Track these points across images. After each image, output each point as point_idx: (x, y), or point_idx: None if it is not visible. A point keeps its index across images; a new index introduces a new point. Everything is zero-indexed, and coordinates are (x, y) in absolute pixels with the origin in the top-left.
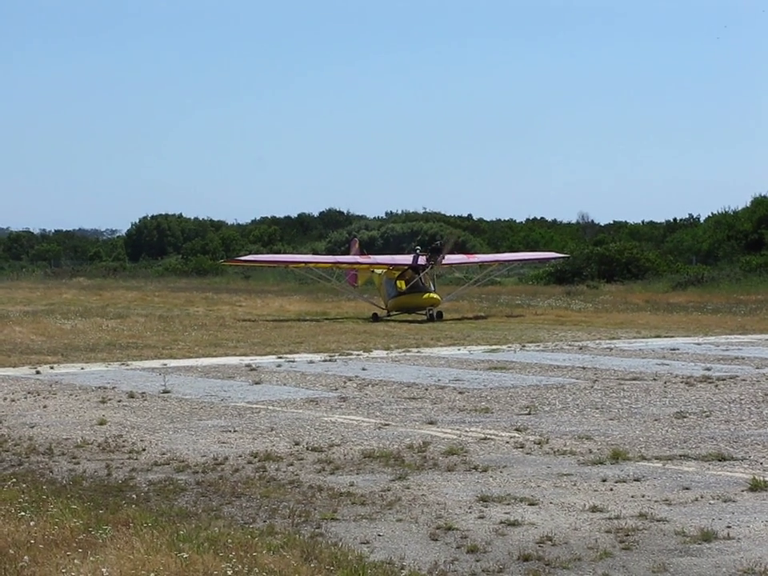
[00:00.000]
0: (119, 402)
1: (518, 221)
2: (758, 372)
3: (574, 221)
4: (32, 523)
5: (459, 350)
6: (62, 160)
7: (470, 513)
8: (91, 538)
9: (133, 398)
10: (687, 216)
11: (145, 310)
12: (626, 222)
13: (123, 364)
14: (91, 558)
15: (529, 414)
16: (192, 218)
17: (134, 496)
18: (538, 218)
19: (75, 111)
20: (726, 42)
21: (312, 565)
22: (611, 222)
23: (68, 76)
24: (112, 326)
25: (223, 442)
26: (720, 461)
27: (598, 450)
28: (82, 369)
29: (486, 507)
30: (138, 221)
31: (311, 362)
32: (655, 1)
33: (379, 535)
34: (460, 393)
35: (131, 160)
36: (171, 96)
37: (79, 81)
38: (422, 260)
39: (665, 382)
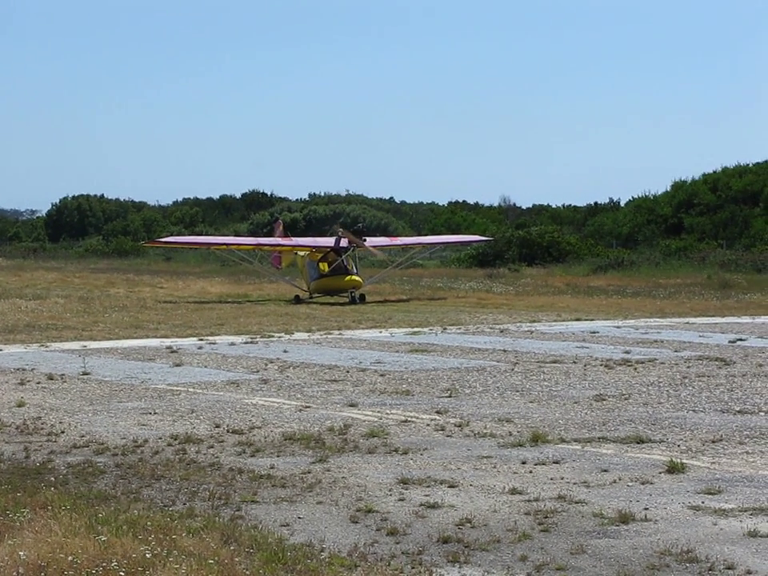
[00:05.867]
0: (38, 383)
1: (440, 203)
2: (676, 355)
3: (495, 204)
4: None
5: (381, 332)
6: None
7: (390, 495)
8: (8, 521)
9: (52, 379)
10: (608, 200)
11: (65, 291)
12: (547, 205)
13: (42, 345)
14: (9, 542)
15: (449, 396)
16: (113, 198)
17: (53, 479)
18: (460, 200)
19: None
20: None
21: (232, 547)
22: (533, 206)
23: None
24: (31, 308)
25: (143, 425)
26: (638, 443)
27: (518, 432)
28: (0, 350)
29: (407, 489)
30: (58, 201)
31: (232, 344)
32: None
33: (299, 518)
34: (381, 375)
35: (52, 140)
36: (92, 75)
37: None
38: (344, 242)
39: (584, 365)
